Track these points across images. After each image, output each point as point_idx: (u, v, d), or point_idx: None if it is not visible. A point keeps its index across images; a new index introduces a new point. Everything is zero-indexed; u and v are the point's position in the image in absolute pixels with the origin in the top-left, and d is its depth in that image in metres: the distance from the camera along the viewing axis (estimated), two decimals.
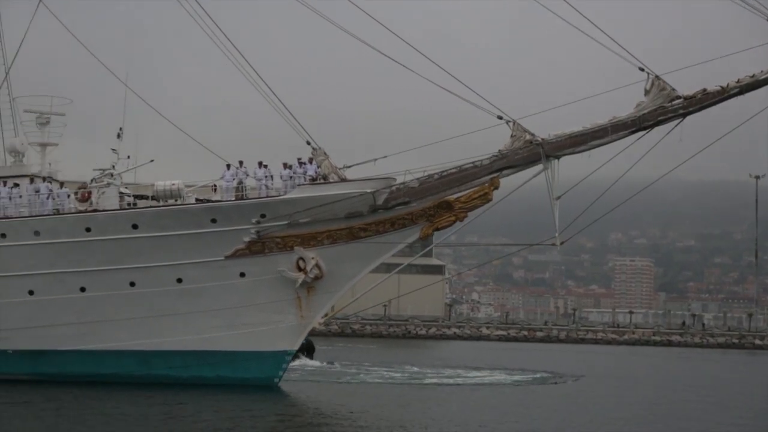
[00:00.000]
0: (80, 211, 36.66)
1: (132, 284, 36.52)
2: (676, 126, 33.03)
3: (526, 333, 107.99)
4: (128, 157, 39.30)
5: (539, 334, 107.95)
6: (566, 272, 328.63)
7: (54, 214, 36.74)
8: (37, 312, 36.88)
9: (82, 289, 36.68)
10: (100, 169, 38.93)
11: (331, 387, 39.18)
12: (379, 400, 35.14)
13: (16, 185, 38.00)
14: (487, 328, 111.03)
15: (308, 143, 36.01)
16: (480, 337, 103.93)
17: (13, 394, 33.53)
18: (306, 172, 36.36)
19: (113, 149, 39.15)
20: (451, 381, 42.89)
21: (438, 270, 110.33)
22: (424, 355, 67.42)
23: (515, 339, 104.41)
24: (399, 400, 35.44)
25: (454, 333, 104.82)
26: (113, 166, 38.78)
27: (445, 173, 34.90)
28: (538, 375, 48.24)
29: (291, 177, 36.43)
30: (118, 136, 39.40)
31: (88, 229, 35.97)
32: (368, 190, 35.00)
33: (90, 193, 36.87)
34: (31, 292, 36.78)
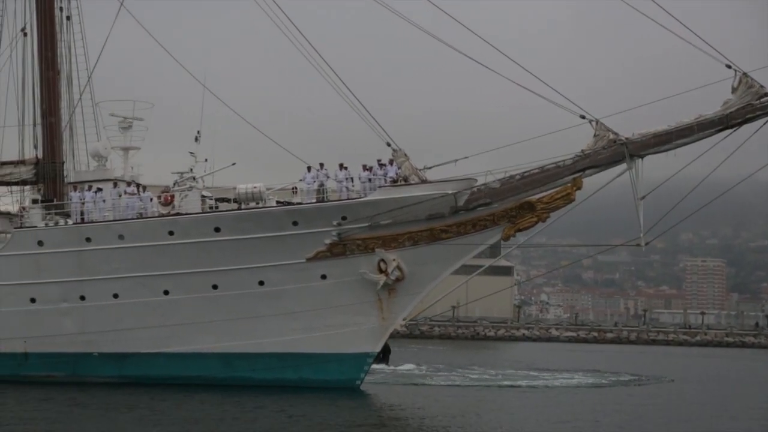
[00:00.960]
0: (163, 215, 36.94)
1: (214, 287, 36.73)
2: (765, 124, 32.36)
3: (596, 334, 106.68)
4: (205, 160, 39.55)
5: (609, 335, 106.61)
6: (636, 273, 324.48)
7: (138, 218, 37.06)
8: (122, 315, 37.27)
9: (166, 292, 36.96)
10: (178, 173, 39.27)
11: (412, 389, 38.94)
12: (466, 403, 34.85)
13: (100, 189, 38.45)
14: (557, 329, 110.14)
15: (388, 145, 35.94)
16: (549, 339, 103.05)
17: (98, 396, 33.89)
18: (386, 173, 36.28)
19: (191, 152, 39.39)
20: (533, 383, 42.38)
21: (507, 271, 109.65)
22: (495, 357, 66.99)
23: (585, 340, 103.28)
24: (486, 403, 35.23)
25: (523, 334, 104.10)
26: (191, 170, 39.01)
27: (527, 174, 34.55)
28: (623, 377, 47.50)
29: (371, 179, 36.39)
30: (196, 139, 39.58)
31: (171, 233, 36.26)
32: (449, 192, 34.78)
33: (173, 196, 37.15)
34: (115, 296, 37.17)
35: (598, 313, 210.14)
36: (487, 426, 28.90)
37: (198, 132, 39.64)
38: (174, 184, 37.82)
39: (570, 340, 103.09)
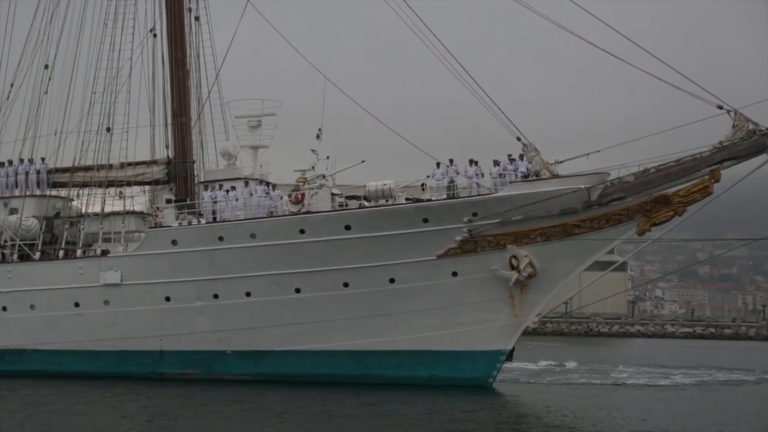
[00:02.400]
0: (294, 213, 37.10)
1: (345, 285, 36.74)
2: None
3: (713, 330, 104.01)
4: (327, 157, 39.54)
5: (727, 331, 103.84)
6: (754, 267, 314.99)
7: (269, 217, 37.30)
8: (255, 313, 37.53)
9: (297, 291, 37.11)
10: (300, 170, 39.44)
11: (543, 387, 38.37)
12: (595, 402, 34.17)
13: (233, 188, 38.82)
14: (672, 325, 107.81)
15: (518, 139, 35.48)
16: (665, 335, 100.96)
17: (232, 394, 34.17)
18: (517, 168, 35.80)
19: (312, 150, 39.46)
20: (658, 382, 41.33)
21: (620, 267, 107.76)
22: (613, 354, 65.86)
23: (701, 336, 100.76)
24: (615, 401, 34.48)
25: (638, 330, 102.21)
26: (312, 167, 39.09)
27: (662, 167, 33.68)
28: (752, 375, 46.15)
29: (502, 174, 35.98)
30: (318, 137, 39.64)
31: (302, 231, 36.37)
32: (582, 186, 34.14)
33: (303, 194, 37.27)
34: (248, 294, 37.44)
35: (714, 308, 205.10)
36: (618, 425, 28.19)
37: (319, 130, 39.66)
38: (304, 182, 37.89)
39: (686, 336, 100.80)
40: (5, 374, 39.75)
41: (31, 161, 43.58)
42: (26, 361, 40.31)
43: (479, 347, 36.42)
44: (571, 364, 47.74)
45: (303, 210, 37.13)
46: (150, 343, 38.68)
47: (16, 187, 43.32)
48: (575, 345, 77.41)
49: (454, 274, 36.09)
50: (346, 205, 37.33)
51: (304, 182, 37.89)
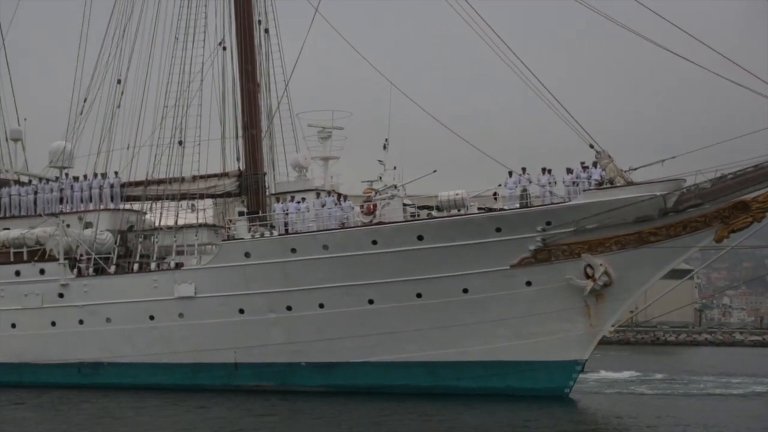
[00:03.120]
0: (365, 224, 37.05)
1: (419, 295, 36.57)
2: None
3: None
4: (394, 168, 39.52)
5: None
6: None
7: (341, 228, 37.31)
8: (328, 325, 37.50)
9: (370, 302, 37.03)
10: (367, 181, 39.44)
11: (620, 397, 37.87)
12: (674, 412, 33.56)
13: (303, 200, 38.91)
14: (741, 333, 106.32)
15: (591, 146, 35.12)
16: (733, 343, 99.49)
17: (304, 406, 34.20)
18: (590, 176, 35.43)
19: (380, 161, 39.46)
20: (734, 391, 40.52)
21: (686, 274, 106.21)
22: (683, 362, 64.95)
23: None
24: (692, 412, 33.86)
25: (705, 339, 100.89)
26: (380, 178, 39.08)
27: (740, 173, 33.11)
28: None
29: (575, 182, 35.65)
30: (384, 147, 39.62)
31: (374, 242, 36.30)
32: (658, 193, 33.66)
33: (375, 205, 37.22)
34: (321, 305, 37.45)
35: None
36: None
37: (386, 140, 39.64)
38: (375, 193, 37.85)
39: (755, 344, 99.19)
40: (82, 387, 40.23)
41: (104, 175, 44.08)
42: (102, 374, 40.70)
43: (555, 357, 36.02)
44: (654, 375, 46.97)
45: (375, 221, 37.09)
46: (224, 356, 38.81)
47: (91, 201, 43.90)
48: (643, 354, 76.55)
49: (528, 283, 35.76)
50: (418, 216, 37.22)
51: (376, 193, 37.83)
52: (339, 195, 39.36)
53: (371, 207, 37.25)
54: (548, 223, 34.83)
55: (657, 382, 43.63)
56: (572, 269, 35.22)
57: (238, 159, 42.45)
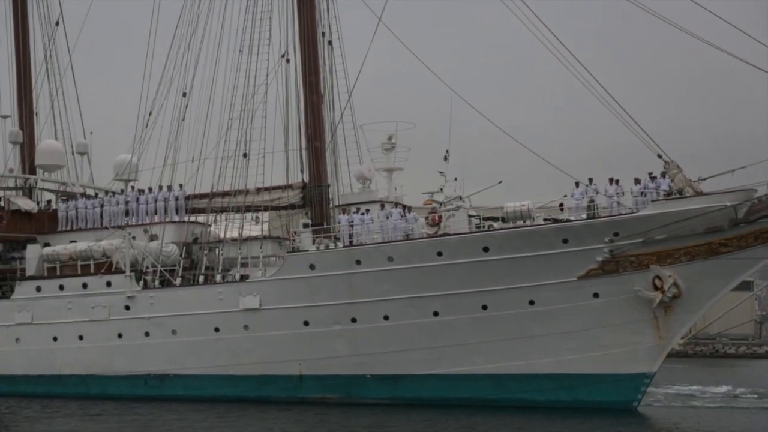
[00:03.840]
0: (430, 236, 36.92)
1: (484, 307, 36.36)
2: None
3: None
4: (455, 179, 39.39)
5: None
6: None
7: (405, 240, 37.21)
8: (393, 337, 37.39)
9: (435, 314, 36.85)
10: (428, 192, 39.33)
11: (688, 411, 37.30)
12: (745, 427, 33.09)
13: (367, 211, 38.90)
14: None
15: (659, 156, 34.76)
16: None
17: (370, 419, 34.20)
18: (659, 186, 35.06)
19: (440, 172, 39.35)
20: None
21: (746, 286, 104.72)
22: (745, 376, 63.45)
23: None
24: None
25: (766, 351, 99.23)
26: (440, 189, 38.99)
27: None
28: None
29: (643, 193, 35.27)
30: (445, 158, 39.55)
31: (439, 254, 36.16)
32: (728, 204, 33.19)
33: (440, 217, 37.10)
34: (386, 317, 37.35)
35: None
36: None
37: (447, 151, 39.53)
38: (440, 204, 37.75)
39: None
40: (148, 399, 40.48)
41: (169, 188, 44.41)
42: (168, 386, 40.88)
43: (623, 370, 35.61)
44: (721, 388, 46.15)
45: (440, 232, 36.94)
46: (289, 368, 38.80)
47: (156, 213, 44.27)
48: (703, 367, 75.40)
49: (596, 295, 35.39)
50: (484, 227, 37.02)
51: (441, 204, 37.73)
52: (404, 206, 39.26)
53: (436, 218, 37.15)
54: (616, 234, 34.48)
55: (722, 396, 42.88)
56: (640, 281, 34.83)
57: (301, 171, 42.52)
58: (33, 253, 45.16)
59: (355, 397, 38.21)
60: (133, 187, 47.34)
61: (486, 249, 35.70)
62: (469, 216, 37.30)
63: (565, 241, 34.97)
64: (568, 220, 35.73)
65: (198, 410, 36.88)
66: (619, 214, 34.95)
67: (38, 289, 43.71)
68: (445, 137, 40.03)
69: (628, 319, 35.36)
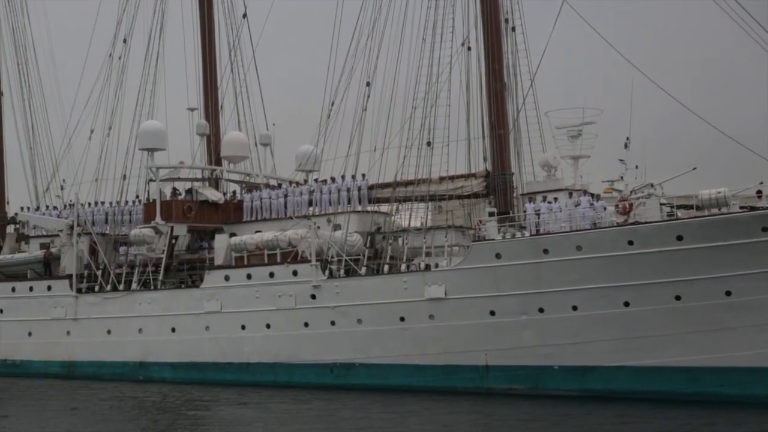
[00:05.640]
0: (620, 224, 35.94)
1: (677, 298, 35.12)
2: None
3: None
4: (636, 167, 38.33)
5: None
6: None
7: (595, 228, 36.31)
8: (581, 327, 36.59)
9: (626, 304, 35.84)
10: (608, 181, 38.30)
11: None
12: None
13: (555, 199, 38.18)
14: None
15: None
16: None
17: (557, 410, 33.63)
18: None
19: (621, 160, 38.40)
20: None
21: None
22: None
23: None
24: None
25: None
26: (621, 177, 38.02)
27: None
28: None
29: None
30: (626, 146, 38.56)
31: (630, 242, 35.14)
32: None
33: (632, 205, 36.07)
34: (574, 308, 36.57)
35: None
36: None
37: (627, 138, 38.54)
38: (631, 192, 36.73)
39: None
40: (334, 387, 40.92)
41: (353, 177, 44.69)
42: (354, 375, 41.16)
43: None
44: None
45: (630, 221, 35.91)
46: (475, 358, 38.45)
47: (339, 203, 44.66)
48: None
49: None
50: (677, 215, 35.79)
51: (632, 192, 36.71)
52: (592, 194, 38.34)
53: (627, 206, 36.14)
54: None
55: None
56: None
57: (485, 159, 42.12)
58: (221, 242, 46.20)
59: (542, 388, 37.54)
60: (316, 179, 47.86)
61: (680, 238, 34.49)
62: (661, 204, 36.11)
63: (765, 229, 33.44)
64: (766, 208, 34.13)
65: (383, 399, 37.01)
66: None
67: (227, 278, 44.70)
68: (625, 122, 39.06)
69: None
